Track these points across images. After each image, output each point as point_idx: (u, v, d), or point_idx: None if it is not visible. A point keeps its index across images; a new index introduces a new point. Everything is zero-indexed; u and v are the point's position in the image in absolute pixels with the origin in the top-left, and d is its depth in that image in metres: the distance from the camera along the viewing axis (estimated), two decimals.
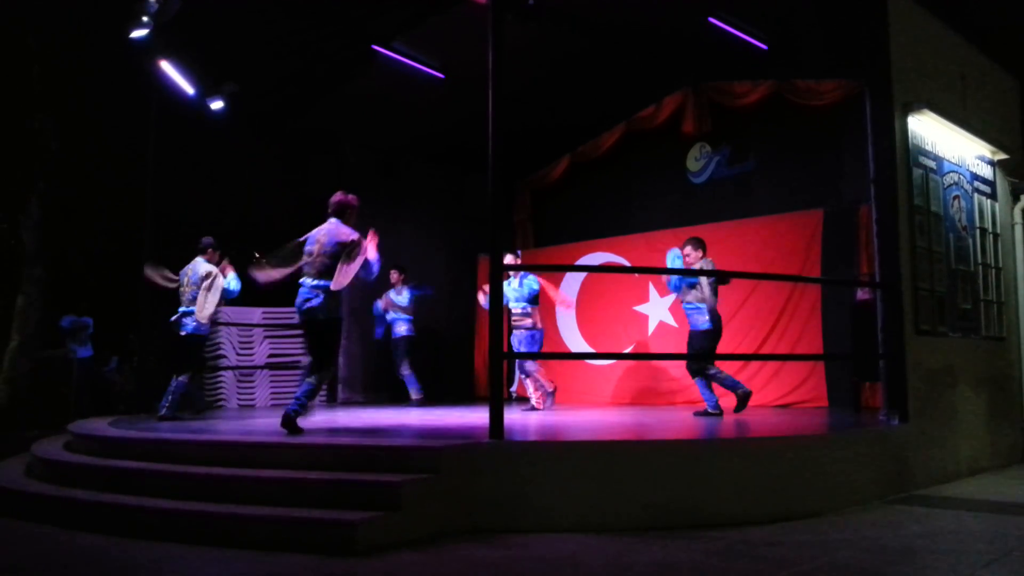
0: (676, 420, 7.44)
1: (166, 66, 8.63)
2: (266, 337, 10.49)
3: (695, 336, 7.60)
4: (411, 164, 11.85)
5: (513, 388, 11.83)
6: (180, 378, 7.65)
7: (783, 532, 4.64)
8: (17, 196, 10.93)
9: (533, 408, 9.02)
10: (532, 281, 8.99)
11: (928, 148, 7.09)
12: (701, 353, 7.53)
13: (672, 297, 10.40)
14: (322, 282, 6.05)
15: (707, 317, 7.45)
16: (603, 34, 9.26)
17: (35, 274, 10.84)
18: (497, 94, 5.27)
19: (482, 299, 9.60)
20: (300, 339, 10.92)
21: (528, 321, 8.93)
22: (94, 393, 11.01)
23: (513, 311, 8.96)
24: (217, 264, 7.91)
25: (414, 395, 9.86)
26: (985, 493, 6.08)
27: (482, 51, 5.34)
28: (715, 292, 7.53)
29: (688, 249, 7.62)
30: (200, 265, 7.83)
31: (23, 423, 9.94)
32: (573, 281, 11.58)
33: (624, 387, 10.73)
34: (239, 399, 10.24)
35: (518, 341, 8.98)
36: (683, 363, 9.99)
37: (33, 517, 5.09)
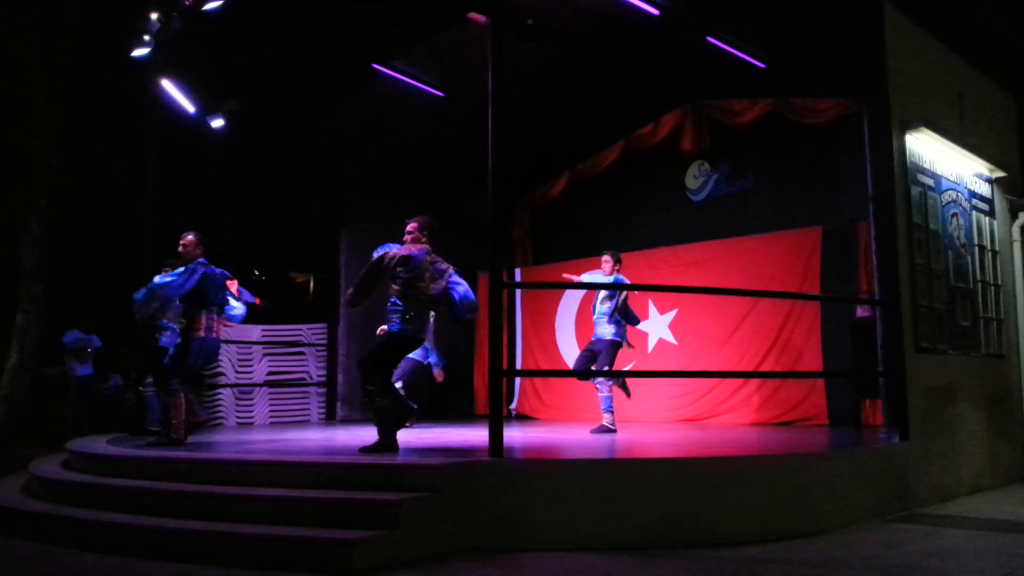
0: (676, 438, 7.42)
1: (167, 84, 8.67)
2: (265, 355, 10.49)
3: None
4: (411, 181, 11.88)
5: (513, 406, 11.82)
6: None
7: (784, 551, 4.62)
8: (17, 213, 10.95)
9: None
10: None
11: (926, 166, 7.12)
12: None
13: (672, 314, 10.44)
14: None
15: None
16: (602, 53, 9.32)
17: (35, 291, 10.85)
18: (496, 112, 5.29)
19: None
20: (299, 356, 10.99)
21: None
22: (93, 411, 10.98)
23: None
24: None
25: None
26: (986, 511, 6.05)
27: (482, 69, 5.37)
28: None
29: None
30: None
31: (21, 441, 9.90)
32: (572, 299, 11.57)
33: (624, 405, 10.70)
34: (237, 417, 10.21)
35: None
36: (682, 381, 10.02)
37: (31, 536, 5.06)
